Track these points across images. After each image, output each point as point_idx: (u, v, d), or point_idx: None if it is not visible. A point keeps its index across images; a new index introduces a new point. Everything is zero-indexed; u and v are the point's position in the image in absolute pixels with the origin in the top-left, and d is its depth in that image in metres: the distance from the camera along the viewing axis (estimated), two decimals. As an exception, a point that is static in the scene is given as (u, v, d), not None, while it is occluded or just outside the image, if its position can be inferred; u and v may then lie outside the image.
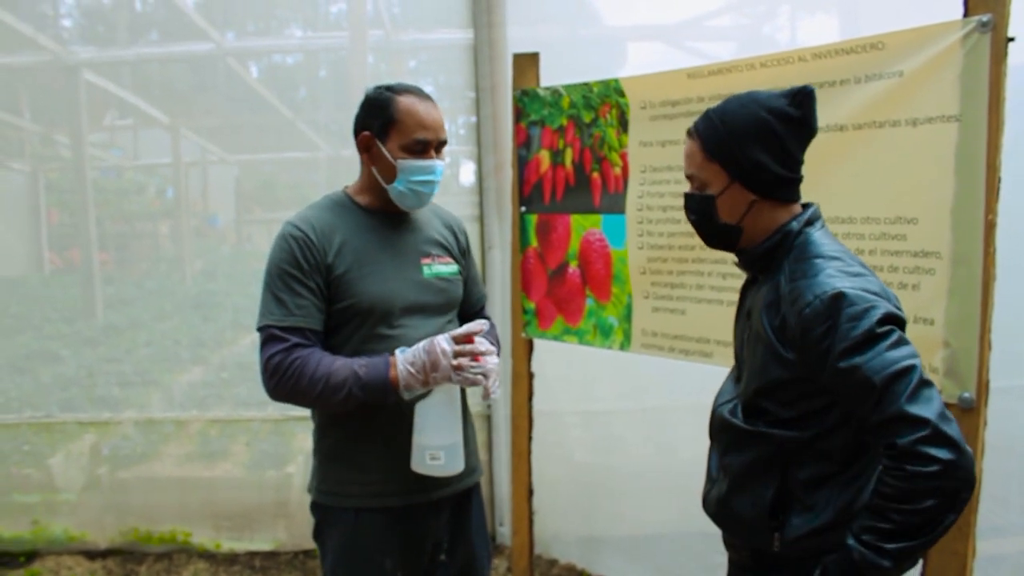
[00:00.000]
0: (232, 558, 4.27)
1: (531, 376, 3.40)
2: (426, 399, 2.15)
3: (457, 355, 2.09)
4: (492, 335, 2.47)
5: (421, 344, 2.12)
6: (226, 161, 4.71)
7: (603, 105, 2.99)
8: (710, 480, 1.91)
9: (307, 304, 2.16)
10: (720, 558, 3.38)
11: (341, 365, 2.12)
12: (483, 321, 2.18)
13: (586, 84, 3.03)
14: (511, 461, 3.52)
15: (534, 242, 3.28)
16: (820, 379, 1.61)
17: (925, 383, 1.51)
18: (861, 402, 1.54)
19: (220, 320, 4.37)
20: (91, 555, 4.32)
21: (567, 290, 3.19)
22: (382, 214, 2.30)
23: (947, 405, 2.10)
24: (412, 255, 2.30)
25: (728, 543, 1.93)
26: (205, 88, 4.48)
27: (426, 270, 2.30)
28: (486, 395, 2.13)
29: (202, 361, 4.39)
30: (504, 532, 4.29)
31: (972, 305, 2.10)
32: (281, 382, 2.13)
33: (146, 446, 4.37)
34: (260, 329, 2.18)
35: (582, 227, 3.11)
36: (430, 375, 2.09)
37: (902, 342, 1.54)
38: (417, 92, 2.23)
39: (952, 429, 1.48)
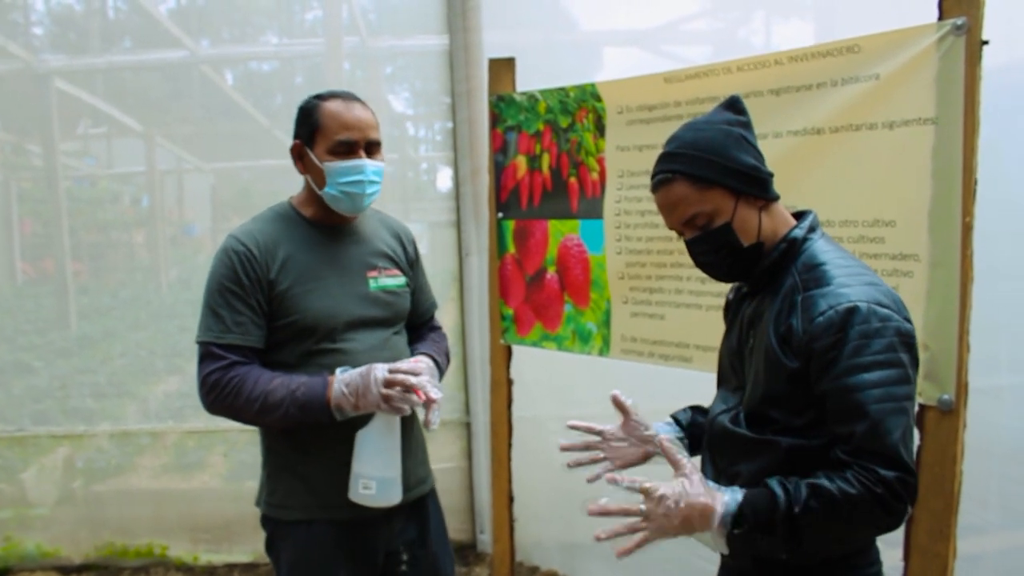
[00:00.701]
0: (210, 571, 4.22)
1: (510, 383, 3.38)
2: (366, 427, 2.13)
3: (389, 384, 2.06)
4: (441, 348, 2.46)
5: (360, 369, 2.11)
6: (202, 169, 4.67)
7: (580, 110, 2.97)
8: None
9: (246, 321, 2.15)
10: (702, 563, 3.38)
11: (279, 384, 2.11)
12: (422, 359, 2.20)
13: (562, 89, 3.02)
14: (491, 468, 3.50)
15: (511, 248, 3.26)
16: (817, 388, 1.59)
17: (910, 428, 1.55)
18: (847, 421, 1.54)
19: (196, 329, 4.28)
20: (65, 571, 4.26)
21: (545, 296, 3.17)
22: (327, 226, 2.28)
23: (927, 408, 2.13)
24: (358, 268, 2.28)
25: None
26: (180, 96, 4.45)
27: (372, 283, 2.28)
28: (427, 424, 2.10)
29: (178, 371, 4.33)
30: (485, 540, 4.27)
31: (950, 307, 2.10)
32: (219, 399, 2.13)
33: (121, 458, 4.32)
34: (199, 343, 2.16)
35: (560, 232, 3.09)
36: (360, 399, 2.07)
37: (905, 380, 1.54)
38: (344, 96, 2.22)
39: (916, 486, 1.56)
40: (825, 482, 1.53)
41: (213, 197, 4.66)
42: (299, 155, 2.25)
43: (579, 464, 2.12)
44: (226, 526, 4.23)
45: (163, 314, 4.42)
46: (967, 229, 2.07)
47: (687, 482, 1.58)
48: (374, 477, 2.12)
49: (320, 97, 2.22)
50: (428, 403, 2.08)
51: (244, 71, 4.60)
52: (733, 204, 1.68)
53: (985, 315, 2.12)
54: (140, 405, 4.38)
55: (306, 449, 2.22)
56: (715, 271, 1.77)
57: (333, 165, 2.17)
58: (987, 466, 2.79)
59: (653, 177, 1.74)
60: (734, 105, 1.75)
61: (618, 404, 2.02)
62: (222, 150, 4.58)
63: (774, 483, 1.58)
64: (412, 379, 2.07)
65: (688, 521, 1.56)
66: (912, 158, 2.15)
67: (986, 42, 2.04)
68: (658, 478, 1.62)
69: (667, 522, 1.56)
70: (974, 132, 2.05)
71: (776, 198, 1.74)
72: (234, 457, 4.27)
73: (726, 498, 1.58)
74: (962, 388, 2.10)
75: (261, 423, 2.19)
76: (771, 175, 1.72)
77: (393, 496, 2.16)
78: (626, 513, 1.60)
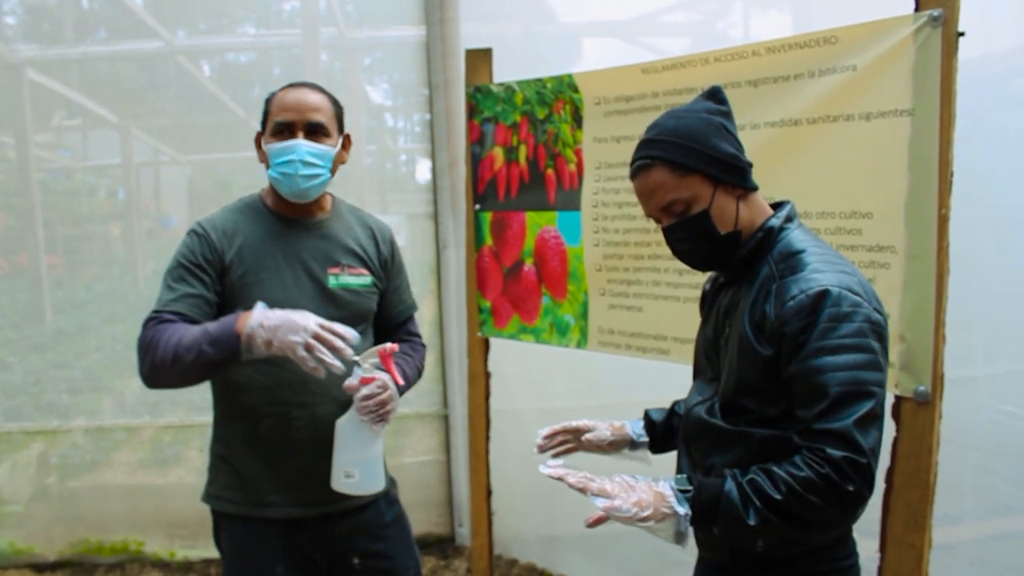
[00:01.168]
0: (187, 566, 4.19)
1: (488, 376, 3.37)
2: (345, 416, 2.11)
3: (317, 339, 1.91)
4: (412, 362, 2.41)
5: (293, 311, 2.00)
6: (178, 161, 4.62)
7: (557, 101, 2.96)
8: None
9: (196, 298, 2.11)
10: (681, 555, 3.38)
11: (196, 327, 2.02)
12: (393, 390, 2.12)
13: (540, 80, 3.00)
14: (469, 462, 3.48)
15: (489, 240, 3.25)
16: (785, 372, 1.59)
17: (877, 416, 1.52)
18: (808, 403, 1.53)
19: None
20: (39, 568, 4.21)
21: (523, 288, 3.16)
22: (290, 218, 2.26)
23: (903, 399, 2.13)
24: (319, 263, 2.24)
25: (703, 543, 1.89)
26: (156, 87, 4.40)
27: (332, 280, 2.25)
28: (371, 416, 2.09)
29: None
30: (463, 533, 4.26)
31: (927, 299, 2.10)
32: (143, 356, 2.04)
33: (96, 454, 4.27)
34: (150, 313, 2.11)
35: (537, 224, 3.08)
36: (276, 337, 1.92)
37: (874, 366, 1.53)
38: (298, 83, 2.22)
39: (874, 470, 1.51)
40: (775, 468, 1.53)
41: (190, 189, 4.62)
42: (258, 144, 2.26)
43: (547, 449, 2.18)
44: (203, 521, 4.10)
45: (140, 307, 4.35)
46: (943, 221, 2.07)
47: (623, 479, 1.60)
48: (356, 464, 2.10)
49: (280, 88, 2.23)
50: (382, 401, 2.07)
51: (221, 62, 4.55)
52: (711, 192, 1.68)
53: (959, 306, 2.13)
54: (116, 399, 4.33)
55: (247, 443, 2.20)
56: (692, 259, 1.76)
57: (270, 147, 2.18)
58: (961, 456, 2.81)
59: (632, 163, 1.73)
60: (715, 95, 1.75)
61: (567, 438, 2.10)
62: (199, 142, 4.54)
63: (727, 475, 1.58)
64: (339, 342, 1.94)
65: (646, 496, 1.55)
66: (889, 150, 2.15)
67: (962, 33, 2.04)
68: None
69: (631, 492, 1.56)
70: (950, 124, 2.05)
71: (754, 188, 1.73)
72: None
73: (669, 484, 1.59)
74: (938, 379, 2.10)
75: (184, 372, 2.02)
76: (750, 165, 1.72)
77: (376, 482, 2.14)
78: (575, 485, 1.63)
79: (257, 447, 2.19)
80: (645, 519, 1.53)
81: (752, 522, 1.52)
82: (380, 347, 2.06)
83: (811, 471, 1.49)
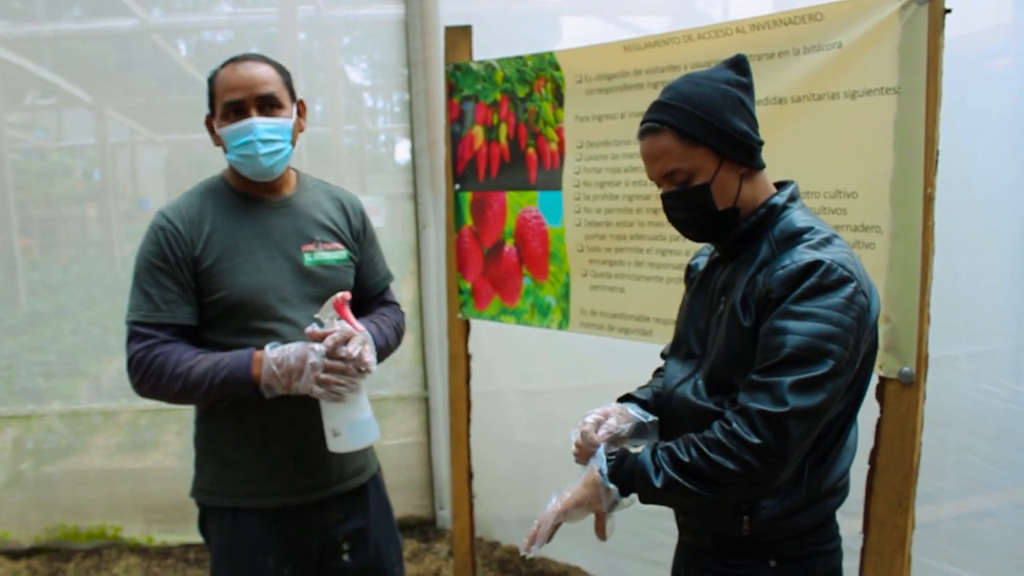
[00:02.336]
0: (165, 551, 4.15)
1: (468, 357, 3.34)
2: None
3: (328, 369, 1.98)
4: (389, 322, 2.36)
5: (294, 347, 2.02)
6: (155, 142, 4.55)
7: (538, 79, 2.92)
8: None
9: (175, 299, 2.08)
10: (662, 536, 3.37)
11: (203, 359, 2.03)
12: (362, 334, 2.07)
13: (520, 58, 2.96)
14: (450, 444, 3.46)
15: (469, 220, 3.21)
16: (756, 332, 1.58)
17: (821, 385, 1.50)
18: (762, 358, 1.54)
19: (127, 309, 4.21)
20: (14, 555, 4.17)
21: (504, 269, 3.12)
22: (255, 197, 2.20)
23: (887, 380, 2.11)
24: (291, 241, 2.19)
25: (685, 527, 1.88)
26: (131, 66, 4.32)
27: (307, 257, 2.20)
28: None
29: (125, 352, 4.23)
30: (444, 516, 4.25)
31: (912, 279, 2.08)
32: (143, 379, 2.06)
33: (73, 438, 4.22)
34: (127, 323, 2.10)
35: (518, 204, 3.04)
36: (293, 383, 2.00)
37: (839, 339, 1.50)
38: (237, 57, 2.14)
39: (793, 440, 1.49)
40: (689, 440, 1.58)
41: (167, 170, 4.56)
42: (211, 128, 2.18)
43: None
44: (181, 505, 4.09)
45: (117, 289, 4.31)
46: (929, 200, 2.05)
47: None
48: (341, 422, 2.05)
49: (221, 65, 2.15)
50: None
51: (198, 41, 4.48)
52: (716, 166, 1.65)
53: (941, 286, 2.11)
54: (92, 383, 4.28)
55: (234, 432, 2.16)
56: (686, 229, 1.74)
57: (224, 131, 2.11)
58: (943, 435, 2.81)
59: (642, 124, 1.70)
60: (738, 65, 1.70)
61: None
62: (176, 122, 4.48)
63: (634, 458, 1.65)
64: (354, 350, 1.98)
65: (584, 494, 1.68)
66: (874, 128, 2.12)
67: (949, 10, 2.01)
68: None
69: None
70: (936, 102, 2.03)
71: (761, 167, 1.71)
72: (188, 435, 4.09)
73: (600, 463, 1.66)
74: (923, 360, 2.09)
75: (187, 401, 2.10)
76: (761, 143, 1.69)
77: (365, 436, 2.08)
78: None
79: (246, 436, 2.14)
80: (576, 504, 1.68)
81: (658, 484, 1.57)
82: (332, 298, 2.03)
83: (719, 431, 1.53)
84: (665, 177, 1.68)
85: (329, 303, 2.03)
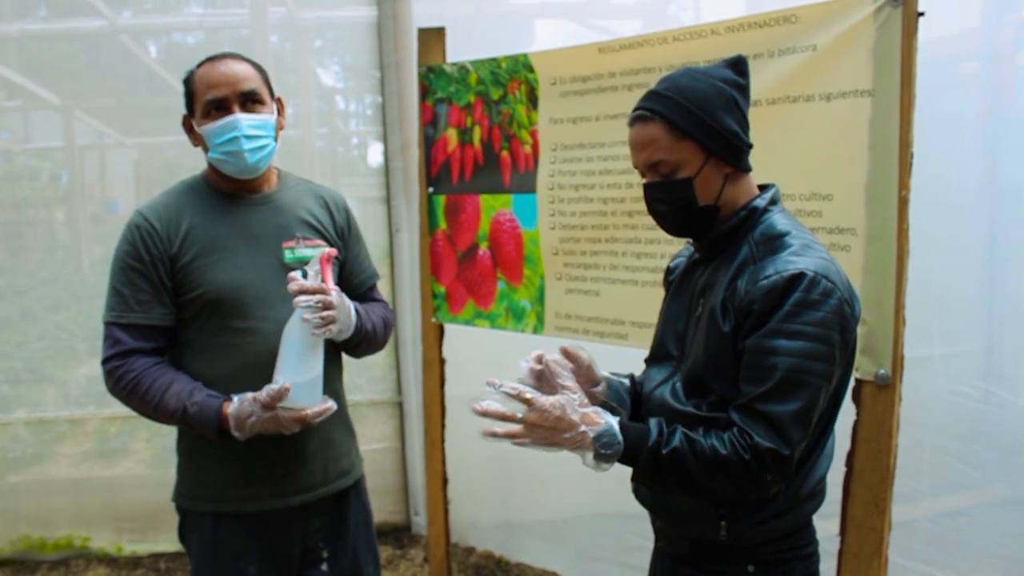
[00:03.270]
0: (135, 561, 4.08)
1: (442, 362, 3.31)
2: (288, 324, 1.99)
3: (268, 406, 1.96)
4: (375, 311, 2.32)
5: (245, 401, 1.99)
6: (124, 144, 4.49)
7: (512, 81, 2.90)
8: None
9: (148, 299, 2.06)
10: (638, 540, 3.36)
11: (174, 395, 2.02)
12: (336, 292, 2.03)
13: (494, 60, 2.94)
14: (424, 450, 3.43)
15: (442, 224, 3.18)
16: (741, 344, 1.57)
17: (813, 409, 1.53)
18: (753, 380, 1.54)
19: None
20: (-22, 566, 4.09)
21: (477, 273, 3.10)
22: (238, 196, 2.17)
23: (863, 382, 2.11)
24: (272, 238, 2.16)
25: (662, 532, 1.86)
26: (100, 68, 4.26)
27: (288, 254, 2.16)
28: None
29: (99, 353, 4.16)
30: (419, 521, 4.21)
31: (887, 281, 2.09)
32: (115, 389, 2.08)
33: (39, 447, 4.15)
34: (103, 323, 2.09)
35: (492, 207, 3.02)
36: (246, 431, 1.99)
37: (826, 358, 1.52)
38: (215, 57, 2.12)
39: (793, 466, 1.55)
40: (700, 437, 1.55)
41: (137, 173, 4.49)
42: (189, 129, 2.16)
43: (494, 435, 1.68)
44: (151, 514, 4.10)
45: (85, 294, 4.24)
46: (903, 203, 2.06)
47: (570, 398, 1.58)
48: (290, 377, 1.97)
49: (198, 65, 2.12)
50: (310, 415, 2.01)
51: (168, 43, 4.43)
52: (702, 162, 1.64)
53: (914, 288, 2.12)
54: (59, 390, 4.21)
55: (221, 437, 2.09)
56: (665, 222, 1.73)
57: (207, 128, 2.08)
58: (918, 436, 2.82)
59: (634, 111, 1.68)
60: (737, 66, 1.69)
61: (569, 355, 1.80)
62: (146, 124, 4.42)
63: (653, 423, 1.60)
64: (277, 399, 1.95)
65: (560, 434, 1.56)
66: (849, 131, 2.13)
67: (922, 13, 2.02)
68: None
69: (545, 435, 1.56)
70: (910, 105, 2.04)
71: (747, 169, 1.70)
72: (158, 443, 4.13)
73: (602, 421, 1.58)
74: (898, 362, 2.09)
75: (155, 419, 2.11)
76: (750, 146, 1.68)
77: (306, 400, 2.00)
78: (505, 418, 1.60)
79: (228, 440, 2.07)
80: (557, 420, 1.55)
81: (659, 484, 1.61)
82: (319, 252, 2.02)
83: (735, 453, 1.51)
84: (650, 167, 1.67)
85: (315, 257, 2.01)
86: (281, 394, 1.94)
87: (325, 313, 1.97)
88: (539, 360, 1.71)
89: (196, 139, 2.14)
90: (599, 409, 1.61)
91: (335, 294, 2.02)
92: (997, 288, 2.92)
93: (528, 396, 1.56)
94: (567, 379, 1.63)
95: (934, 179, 2.54)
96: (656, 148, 1.64)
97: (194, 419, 2.01)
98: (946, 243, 2.74)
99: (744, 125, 1.67)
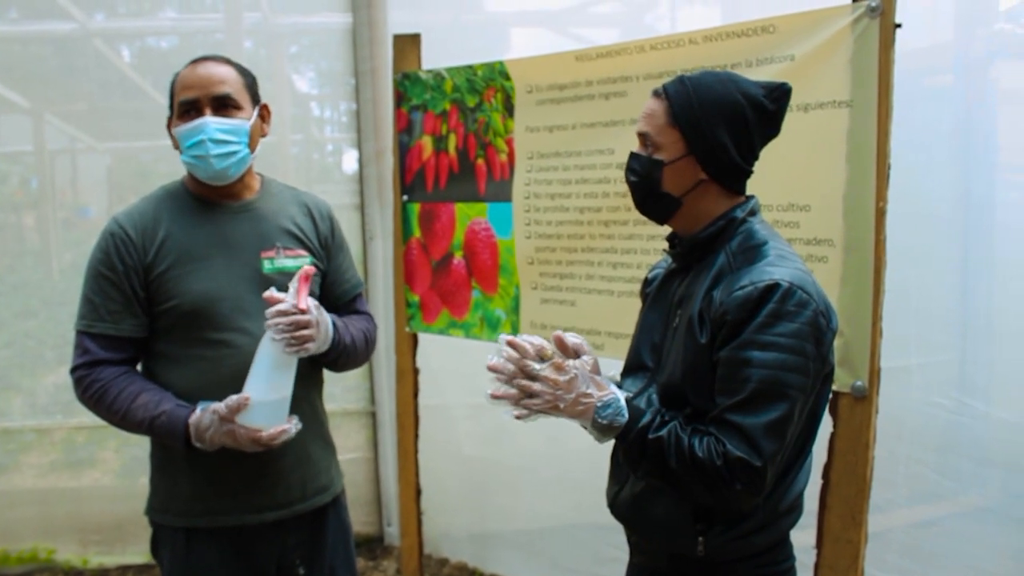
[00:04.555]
0: (101, 574, 4.01)
1: (416, 372, 3.29)
2: (262, 340, 1.94)
3: (225, 419, 1.92)
4: (357, 325, 2.26)
5: (208, 412, 1.94)
6: (96, 149, 4.43)
7: (488, 89, 2.88)
8: (617, 481, 1.81)
9: (119, 310, 2.02)
10: (614, 551, 3.34)
11: (140, 406, 1.98)
12: (311, 313, 1.96)
13: (470, 67, 2.92)
14: (397, 461, 3.40)
15: (417, 232, 3.16)
16: (715, 355, 1.56)
17: (787, 421, 1.52)
18: (727, 391, 1.53)
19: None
20: (-62, 581, 3.99)
21: (452, 282, 3.08)
22: (218, 204, 2.12)
23: (840, 395, 2.10)
24: (250, 248, 2.10)
25: (638, 547, 1.84)
26: (71, 71, 4.20)
27: (267, 264, 2.11)
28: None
29: (68, 361, 4.09)
30: (392, 532, 4.17)
31: (864, 293, 2.08)
32: (84, 398, 2.06)
33: (3, 457, 4.06)
34: (75, 331, 2.06)
35: (467, 216, 3.00)
36: (209, 442, 1.95)
37: (800, 369, 1.51)
38: (199, 58, 2.09)
39: (767, 478, 1.52)
40: (686, 435, 1.54)
41: (109, 178, 4.43)
42: (170, 133, 2.11)
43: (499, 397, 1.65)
44: (119, 526, 4.02)
45: (55, 300, 4.18)
46: (880, 214, 2.06)
47: (584, 361, 1.60)
48: (254, 393, 1.92)
49: (185, 66, 2.09)
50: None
51: (141, 47, 4.38)
52: (680, 154, 1.64)
53: (889, 298, 2.12)
54: (26, 399, 4.13)
55: (187, 449, 2.04)
56: (633, 193, 1.74)
57: (178, 131, 2.04)
58: (891, 447, 2.82)
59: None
60: (773, 91, 1.65)
61: (562, 345, 1.71)
62: (118, 129, 4.35)
63: (651, 409, 1.61)
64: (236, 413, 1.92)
65: (567, 395, 1.55)
66: (827, 141, 2.13)
67: (899, 25, 2.03)
68: None
69: (551, 398, 1.56)
70: (887, 116, 2.04)
71: (728, 187, 1.67)
72: (127, 452, 4.05)
73: (609, 391, 1.58)
74: (875, 374, 2.09)
75: (124, 429, 2.07)
76: (741, 169, 1.66)
77: (272, 419, 1.95)
78: (518, 375, 1.59)
79: (201, 453, 2.02)
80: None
81: (640, 470, 1.61)
82: (301, 269, 1.96)
83: (710, 458, 1.50)
84: (640, 136, 1.69)
85: (298, 274, 1.95)
86: (240, 406, 1.89)
87: (299, 333, 1.92)
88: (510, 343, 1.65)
89: (176, 141, 2.09)
90: (608, 380, 1.61)
91: (313, 311, 1.96)
92: (970, 299, 2.93)
93: (549, 351, 1.57)
94: (583, 347, 1.64)
95: (908, 190, 2.55)
96: (649, 122, 1.67)
97: (161, 429, 1.97)
98: (919, 254, 2.75)
99: (744, 146, 1.64)
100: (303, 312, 1.92)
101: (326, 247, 2.26)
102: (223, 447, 1.99)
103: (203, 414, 1.94)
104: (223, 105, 2.04)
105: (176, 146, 2.09)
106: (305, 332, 1.93)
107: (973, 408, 2.83)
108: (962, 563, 2.83)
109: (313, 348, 1.98)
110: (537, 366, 1.57)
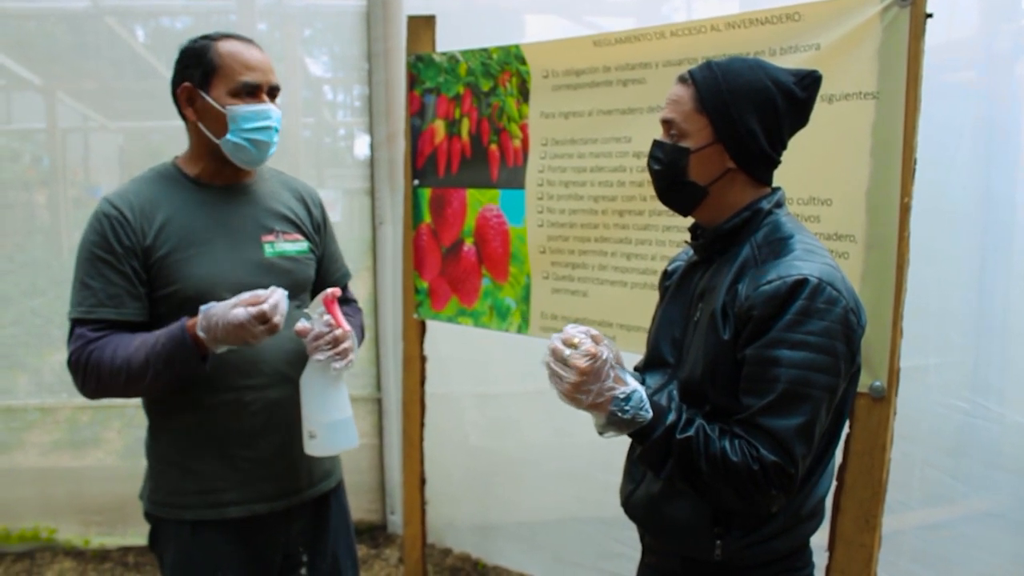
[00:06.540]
0: (102, 555, 3.99)
1: (423, 359, 3.25)
2: (304, 372, 1.93)
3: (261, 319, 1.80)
4: (354, 322, 2.20)
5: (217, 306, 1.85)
6: (108, 128, 4.41)
7: (503, 73, 2.83)
8: (632, 479, 1.77)
9: (120, 292, 1.94)
10: (618, 546, 3.31)
11: (140, 343, 1.88)
12: (349, 333, 1.95)
13: (485, 50, 2.87)
14: (402, 450, 3.37)
15: (427, 218, 3.11)
16: (740, 352, 1.51)
17: (815, 423, 1.47)
18: (755, 392, 1.48)
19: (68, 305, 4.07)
20: (-60, 559, 3.99)
21: (462, 269, 3.03)
22: (216, 187, 2.07)
23: (858, 395, 2.04)
24: (251, 232, 2.06)
25: (651, 548, 1.79)
26: (84, 50, 4.17)
27: (268, 248, 2.07)
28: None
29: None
30: (395, 521, 4.15)
31: (886, 291, 2.02)
32: (85, 380, 1.93)
33: (7, 435, 4.06)
34: (69, 320, 1.96)
35: (479, 202, 2.95)
36: (219, 329, 1.81)
37: (830, 369, 1.46)
38: (239, 36, 2.04)
39: (795, 482, 1.49)
40: (715, 435, 1.50)
41: (121, 157, 4.42)
42: (189, 100, 2.02)
43: None
44: (120, 507, 4.01)
45: (63, 279, 4.11)
46: (905, 210, 1.99)
47: (610, 352, 1.52)
48: (317, 423, 1.92)
49: (210, 37, 2.01)
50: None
51: (155, 27, 4.35)
52: (708, 142, 1.60)
53: (907, 297, 2.07)
54: (32, 377, 4.12)
55: (196, 439, 2.01)
56: (655, 181, 1.70)
57: (238, 109, 1.97)
58: (906, 448, 2.78)
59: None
60: (804, 79, 1.60)
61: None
62: (131, 109, 4.35)
63: (675, 406, 1.55)
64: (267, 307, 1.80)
65: (588, 385, 1.50)
66: (851, 134, 2.07)
67: (930, 15, 1.96)
68: None
69: (572, 387, 1.51)
70: (915, 109, 1.97)
71: (755, 176, 1.63)
72: (130, 433, 4.04)
73: (630, 385, 1.52)
74: (894, 375, 2.03)
75: (137, 393, 1.97)
76: (768, 158, 1.62)
77: (344, 440, 1.96)
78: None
79: (208, 441, 1.99)
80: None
81: (663, 470, 1.53)
82: (322, 294, 1.92)
83: (744, 463, 1.46)
84: (664, 123, 1.65)
85: (319, 299, 1.92)
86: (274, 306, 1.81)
87: (340, 348, 1.91)
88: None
89: (199, 114, 2.01)
90: (630, 375, 1.56)
91: (350, 334, 1.96)
92: (986, 298, 2.88)
93: (576, 340, 1.51)
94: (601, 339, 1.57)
95: (926, 187, 2.50)
96: (676, 109, 1.62)
97: (165, 351, 1.85)
98: (936, 251, 2.70)
99: (773, 134, 1.59)
100: (344, 331, 1.92)
101: (319, 233, 2.25)
102: (223, 449, 1.98)
103: (211, 305, 1.85)
104: (274, 95, 2.05)
105: (193, 117, 2.03)
106: (346, 345, 1.92)
107: (987, 410, 2.79)
108: (972, 568, 2.79)
109: (353, 358, 1.97)
110: (567, 351, 1.52)
